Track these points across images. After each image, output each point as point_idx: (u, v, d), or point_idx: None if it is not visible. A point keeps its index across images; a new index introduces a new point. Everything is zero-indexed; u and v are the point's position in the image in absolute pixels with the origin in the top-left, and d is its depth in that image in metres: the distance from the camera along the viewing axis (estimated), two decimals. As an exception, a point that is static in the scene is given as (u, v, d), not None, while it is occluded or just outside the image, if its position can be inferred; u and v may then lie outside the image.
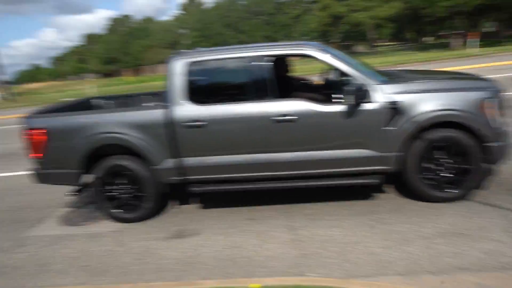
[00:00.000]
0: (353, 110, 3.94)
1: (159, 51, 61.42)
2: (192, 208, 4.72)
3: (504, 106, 4.09)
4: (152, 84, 28.37)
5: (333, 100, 4.06)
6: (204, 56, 4.27)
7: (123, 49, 72.31)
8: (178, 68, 4.19)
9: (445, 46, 33.91)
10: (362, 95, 3.87)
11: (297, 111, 4.00)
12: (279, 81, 4.31)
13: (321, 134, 4.02)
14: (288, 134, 4.03)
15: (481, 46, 26.64)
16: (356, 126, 3.96)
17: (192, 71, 4.19)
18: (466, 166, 3.98)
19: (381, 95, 3.93)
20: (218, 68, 4.30)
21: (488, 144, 3.91)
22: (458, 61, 19.75)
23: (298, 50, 4.27)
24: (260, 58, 4.12)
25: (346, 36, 53.32)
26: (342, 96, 3.96)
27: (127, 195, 4.39)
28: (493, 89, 4.05)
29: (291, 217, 4.18)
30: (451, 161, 4.01)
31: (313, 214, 4.19)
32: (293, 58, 5.57)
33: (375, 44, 51.61)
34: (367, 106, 3.93)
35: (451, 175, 4.02)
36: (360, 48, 55.91)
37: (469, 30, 32.13)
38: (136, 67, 68.11)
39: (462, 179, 4.00)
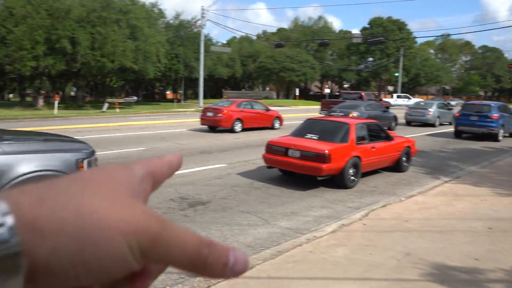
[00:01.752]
0: None
1: None
2: None
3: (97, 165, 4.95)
4: None
5: None
6: None
7: None
8: None
9: (31, 105, 34.50)
10: None
11: None
12: None
13: None
14: None
15: (63, 108, 29.22)
16: None
17: None
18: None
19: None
20: None
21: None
22: (43, 121, 20.91)
23: None
24: None
25: None
26: None
27: None
28: (87, 150, 4.46)
29: None
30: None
31: None
32: None
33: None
34: None
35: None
36: None
37: (53, 92, 34.40)
38: None
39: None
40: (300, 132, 9.19)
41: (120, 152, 11.76)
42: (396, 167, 10.09)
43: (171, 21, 50.05)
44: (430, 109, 23.06)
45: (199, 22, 43.77)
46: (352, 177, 8.44)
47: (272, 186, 8.29)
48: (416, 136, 17.95)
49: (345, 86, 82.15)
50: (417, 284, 4.16)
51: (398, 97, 48.54)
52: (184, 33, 48.53)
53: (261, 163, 10.05)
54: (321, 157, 7.85)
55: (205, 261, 0.33)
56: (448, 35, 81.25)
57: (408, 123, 24.02)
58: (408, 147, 10.36)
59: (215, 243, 0.34)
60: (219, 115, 17.36)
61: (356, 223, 6.04)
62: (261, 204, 6.95)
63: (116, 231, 0.30)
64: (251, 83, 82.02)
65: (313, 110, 35.58)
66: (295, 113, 33.05)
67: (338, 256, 4.82)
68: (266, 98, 56.27)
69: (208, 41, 53.26)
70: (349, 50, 71.01)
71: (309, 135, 8.85)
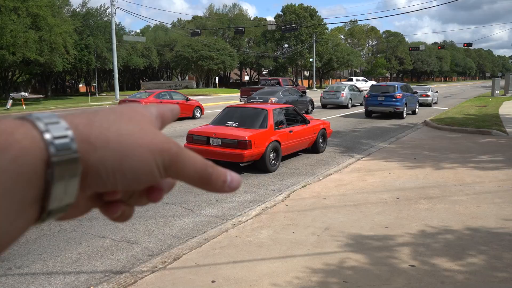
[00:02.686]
0: None
1: None
2: None
3: None
4: None
5: None
6: None
7: None
8: None
9: None
10: None
11: None
12: None
13: None
14: None
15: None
16: None
17: None
18: None
19: None
20: None
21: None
22: None
23: None
24: None
25: None
26: None
27: None
28: None
29: None
30: None
31: None
32: None
33: None
34: None
35: None
36: None
37: None
38: None
39: None
40: (220, 120, 9.26)
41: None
42: (313, 148, 10.61)
43: (78, 9, 46.88)
44: (342, 92, 24.44)
45: (108, 10, 41.57)
46: (273, 161, 8.73)
47: (195, 176, 8.27)
48: (331, 118, 18.97)
49: (263, 72, 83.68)
50: (336, 255, 4.47)
51: (357, 80, 54.24)
52: (94, 22, 45.77)
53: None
54: (242, 144, 8.02)
55: (209, 178, 0.43)
56: (356, 21, 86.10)
57: (324, 106, 25.30)
58: (324, 129, 10.91)
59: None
60: None
61: (279, 204, 6.29)
62: (185, 195, 6.92)
63: (147, 149, 0.39)
64: (170, 73, 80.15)
65: (233, 98, 35.83)
66: (216, 101, 33.03)
67: (262, 237, 5.00)
68: (186, 87, 55.39)
69: (121, 30, 50.91)
70: (265, 37, 72.23)
71: (229, 123, 8.97)
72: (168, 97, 18.53)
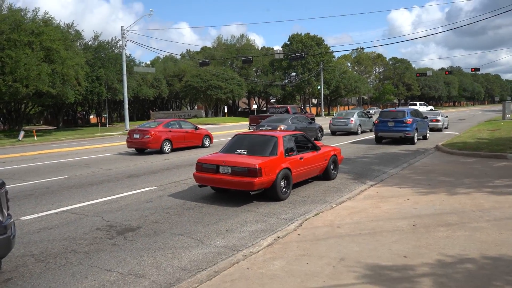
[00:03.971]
0: None
1: None
2: None
3: (7, 199, 4.63)
4: None
5: None
6: None
7: None
8: None
9: None
10: None
11: None
12: None
13: None
14: None
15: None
16: None
17: None
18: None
19: None
20: None
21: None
22: None
23: None
24: None
25: None
26: None
27: None
28: None
29: None
30: None
31: None
32: None
33: None
34: None
35: None
36: None
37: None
38: None
39: None
40: (230, 148, 9.12)
41: (39, 183, 10.85)
42: (325, 175, 10.39)
43: (90, 43, 48.08)
44: (352, 118, 24.36)
45: (119, 43, 42.53)
46: (284, 189, 8.51)
47: (205, 205, 8.11)
48: (341, 144, 18.80)
49: (271, 101, 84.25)
50: (354, 287, 4.24)
51: (420, 105, 58.08)
52: (105, 54, 46.79)
53: (193, 182, 9.86)
54: (252, 172, 7.83)
55: None
56: (362, 48, 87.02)
57: (333, 132, 25.19)
58: (335, 155, 10.72)
59: None
60: (147, 136, 16.89)
61: (291, 234, 6.08)
62: (195, 225, 6.75)
63: None
64: (179, 103, 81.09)
65: (242, 126, 35.93)
66: (225, 130, 33.12)
67: (275, 269, 4.79)
68: (195, 117, 55.82)
69: (131, 61, 51.92)
70: (272, 66, 73.13)
71: (238, 151, 8.81)
72: (177, 126, 18.47)
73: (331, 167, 10.51)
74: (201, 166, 8.58)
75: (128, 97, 39.73)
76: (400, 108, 22.19)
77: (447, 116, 30.22)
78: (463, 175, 10.44)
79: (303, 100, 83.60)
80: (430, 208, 7.24)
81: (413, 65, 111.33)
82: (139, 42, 76.96)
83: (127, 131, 35.03)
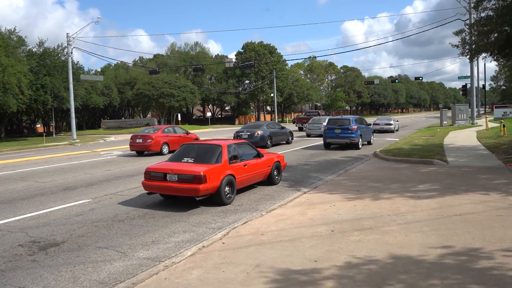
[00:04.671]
0: None
1: None
2: None
3: None
4: None
5: None
6: None
7: None
8: None
9: None
10: None
11: None
12: None
13: None
14: None
15: None
16: None
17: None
18: None
19: None
20: None
21: None
22: None
23: None
24: None
25: None
26: None
27: None
28: None
29: None
30: None
31: None
32: None
33: None
34: None
35: None
36: None
37: None
38: None
39: None
40: (178, 157, 9.52)
41: (-35, 199, 10.37)
42: (269, 180, 11.02)
43: (34, 49, 46.15)
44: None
45: (65, 50, 41.19)
46: (229, 194, 9.01)
47: (136, 217, 8.12)
48: (286, 152, 19.28)
49: (226, 108, 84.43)
50: (261, 292, 4.47)
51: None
52: (50, 62, 45.09)
53: (132, 193, 9.84)
54: (197, 179, 8.25)
55: None
56: (315, 57, 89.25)
57: (308, 135, 29.47)
58: (278, 161, 11.29)
59: None
60: (149, 140, 20.01)
61: (216, 243, 6.27)
62: (122, 237, 6.77)
63: None
64: (131, 111, 79.38)
65: (201, 134, 35.73)
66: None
67: (191, 278, 4.95)
68: (147, 125, 54.88)
69: (79, 69, 50.38)
70: (226, 74, 73.44)
71: (185, 159, 9.27)
72: (172, 131, 22.15)
73: (275, 173, 11.08)
74: (149, 174, 8.92)
75: (76, 105, 38.54)
76: (346, 116, 23.26)
77: (397, 121, 36.97)
78: (391, 180, 11.08)
79: (258, 107, 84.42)
80: (351, 214, 7.68)
81: (365, 74, 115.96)
82: (87, 50, 74.54)
83: (74, 140, 34.00)
